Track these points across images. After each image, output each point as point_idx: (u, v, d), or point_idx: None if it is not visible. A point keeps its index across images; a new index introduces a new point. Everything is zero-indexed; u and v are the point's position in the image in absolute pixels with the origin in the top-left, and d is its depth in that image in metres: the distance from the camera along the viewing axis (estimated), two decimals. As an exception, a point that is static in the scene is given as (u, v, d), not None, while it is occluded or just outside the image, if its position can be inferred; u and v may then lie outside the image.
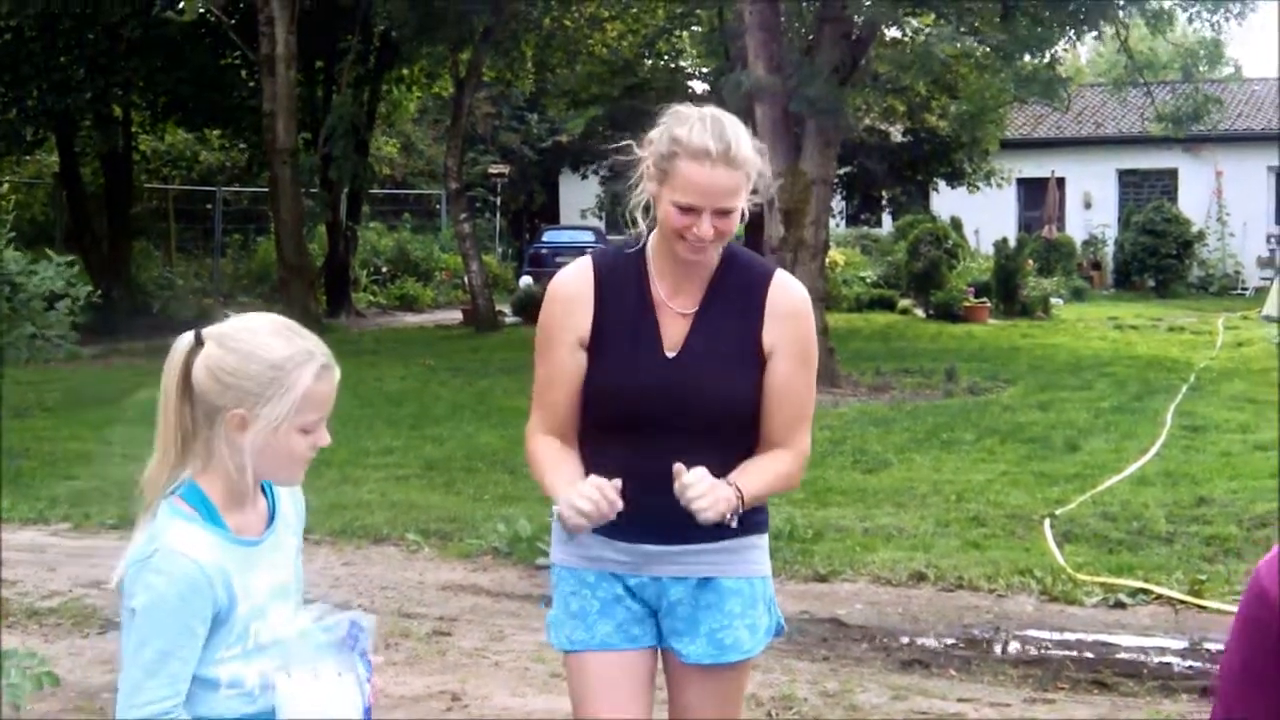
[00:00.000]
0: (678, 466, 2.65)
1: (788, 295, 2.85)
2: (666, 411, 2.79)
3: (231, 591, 2.27)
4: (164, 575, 2.21)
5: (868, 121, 24.62)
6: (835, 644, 5.87)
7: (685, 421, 2.79)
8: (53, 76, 22.05)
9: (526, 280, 26.30)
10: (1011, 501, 8.55)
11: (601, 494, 2.63)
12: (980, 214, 30.24)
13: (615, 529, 2.83)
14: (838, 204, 30.32)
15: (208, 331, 2.32)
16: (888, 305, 25.19)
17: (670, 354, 2.82)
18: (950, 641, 5.92)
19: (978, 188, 27.13)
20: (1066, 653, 5.74)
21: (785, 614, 6.17)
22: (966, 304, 22.91)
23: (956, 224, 28.50)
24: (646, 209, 2.81)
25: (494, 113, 34.99)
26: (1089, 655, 5.71)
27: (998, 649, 5.82)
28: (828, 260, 17.92)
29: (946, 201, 30.68)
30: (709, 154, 2.65)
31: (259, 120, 22.41)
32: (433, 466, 10.18)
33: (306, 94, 24.81)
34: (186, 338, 2.33)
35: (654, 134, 2.78)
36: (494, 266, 30.02)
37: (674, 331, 2.83)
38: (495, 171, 34.55)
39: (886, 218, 33.20)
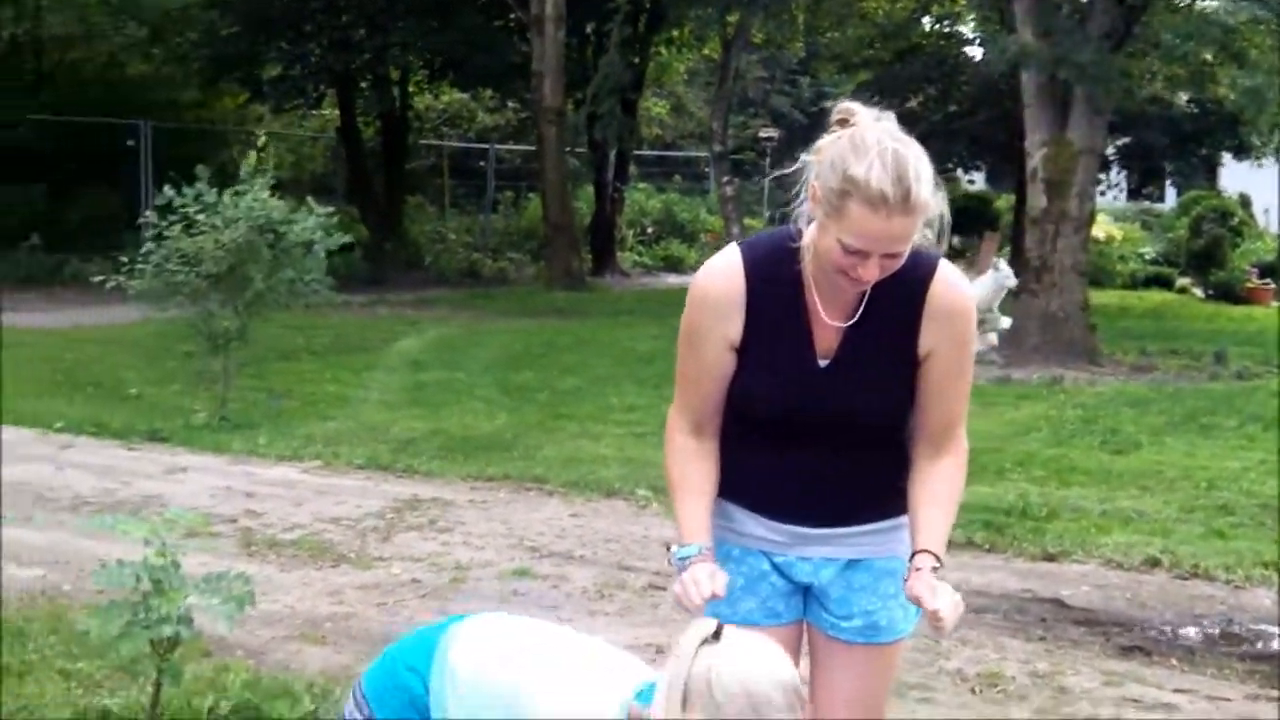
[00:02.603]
0: (929, 604, 2.55)
1: (949, 294, 2.69)
2: (815, 421, 2.71)
3: None
4: None
5: (1152, 89, 23.54)
6: (1054, 625, 5.69)
7: (834, 429, 2.73)
8: (333, 35, 22.98)
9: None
10: (1266, 491, 8.10)
11: (713, 585, 2.58)
12: (1272, 191, 28.67)
13: (769, 510, 2.81)
14: (1117, 177, 29.17)
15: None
16: (1165, 284, 24.20)
17: (822, 363, 2.71)
18: (1176, 630, 5.68)
19: (1260, 163, 25.70)
20: (1303, 652, 5.43)
21: (1007, 591, 6.11)
22: (1249, 285, 21.91)
23: (1245, 201, 27.17)
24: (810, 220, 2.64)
25: (766, 76, 34.89)
26: (1328, 656, 5.39)
27: (1226, 642, 5.55)
28: (1104, 235, 17.32)
29: (1235, 177, 29.23)
30: (886, 200, 2.45)
31: (529, 81, 22.92)
32: (673, 425, 10.25)
33: (576, 55, 25.21)
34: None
35: (826, 152, 2.55)
36: (758, 229, 29.93)
37: (826, 339, 2.71)
38: (765, 135, 34.48)
39: (1170, 192, 31.81)
